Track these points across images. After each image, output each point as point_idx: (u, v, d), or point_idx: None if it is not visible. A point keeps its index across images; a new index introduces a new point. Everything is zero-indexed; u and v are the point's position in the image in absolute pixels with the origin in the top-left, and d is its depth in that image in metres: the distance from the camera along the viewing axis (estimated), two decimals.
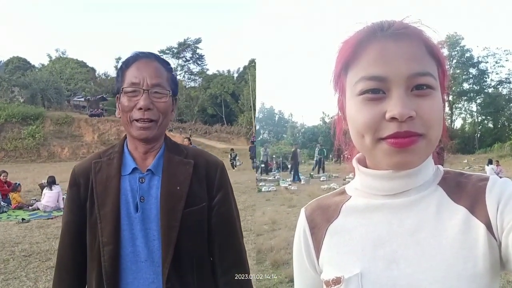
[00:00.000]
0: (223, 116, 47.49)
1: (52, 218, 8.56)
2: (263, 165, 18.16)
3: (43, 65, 49.71)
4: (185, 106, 45.26)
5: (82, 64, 49.63)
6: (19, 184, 10.73)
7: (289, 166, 17.02)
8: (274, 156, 25.71)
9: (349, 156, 0.91)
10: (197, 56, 51.99)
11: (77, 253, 1.27)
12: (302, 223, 0.91)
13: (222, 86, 48.71)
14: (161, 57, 1.31)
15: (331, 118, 0.90)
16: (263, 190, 12.76)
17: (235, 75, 53.44)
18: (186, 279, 1.22)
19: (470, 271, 0.69)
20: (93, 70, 50.98)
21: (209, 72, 52.93)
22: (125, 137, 1.31)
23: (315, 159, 20.74)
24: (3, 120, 28.37)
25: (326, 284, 0.81)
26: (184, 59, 51.13)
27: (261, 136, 55.96)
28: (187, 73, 51.47)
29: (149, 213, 1.21)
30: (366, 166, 0.83)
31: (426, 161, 0.77)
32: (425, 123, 0.71)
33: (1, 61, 49.27)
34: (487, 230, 0.70)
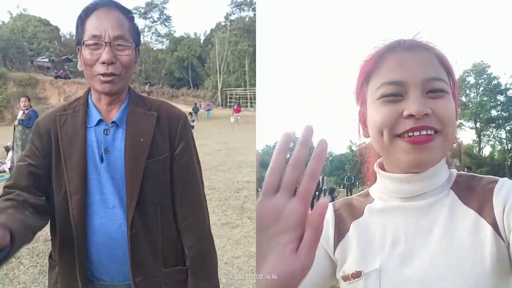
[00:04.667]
0: (190, 80, 47.70)
1: None
2: None
3: (3, 22, 47.57)
4: (152, 69, 45.16)
5: (46, 23, 47.83)
6: None
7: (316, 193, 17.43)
8: None
9: (369, 167, 0.98)
10: (165, 17, 50.97)
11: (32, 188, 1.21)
12: (328, 214, 0.95)
13: (189, 49, 48.58)
14: (121, 4, 1.26)
15: (358, 146, 1.00)
16: None
17: (202, 38, 53.25)
18: (150, 226, 1.26)
19: (477, 271, 0.72)
20: (57, 29, 49.32)
21: (176, 35, 52.37)
22: (89, 90, 1.31)
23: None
24: None
25: (345, 278, 0.86)
26: (151, 19, 50.34)
27: None
28: (154, 35, 50.82)
29: (113, 163, 1.24)
30: (385, 171, 0.89)
31: (440, 166, 0.83)
32: (441, 120, 0.77)
33: None
34: (494, 231, 0.73)
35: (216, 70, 42.36)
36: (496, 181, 0.80)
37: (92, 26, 1.20)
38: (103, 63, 1.18)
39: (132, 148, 1.25)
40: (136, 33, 1.28)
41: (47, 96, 31.09)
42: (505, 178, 0.82)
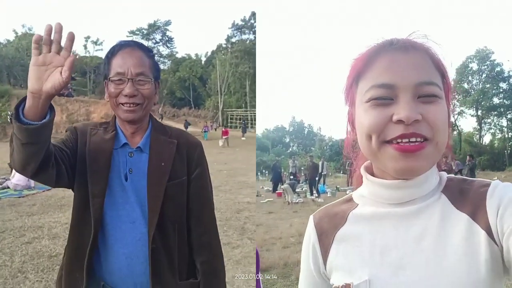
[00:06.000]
0: (191, 100, 48.25)
1: (23, 197, 8.43)
2: (291, 177, 17.72)
3: (8, 41, 48.30)
4: None
5: None
6: None
7: (316, 178, 16.34)
8: (302, 168, 25.03)
9: (356, 169, 0.94)
10: (167, 38, 51.66)
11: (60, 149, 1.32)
12: (310, 230, 0.93)
13: (191, 69, 49.30)
14: (143, 44, 1.43)
15: (343, 140, 0.95)
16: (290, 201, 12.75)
17: (203, 59, 53.98)
18: (168, 241, 1.40)
19: (473, 277, 0.70)
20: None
21: (178, 55, 53.00)
22: (115, 116, 1.44)
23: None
24: None
25: None
26: (154, 41, 51.03)
27: (290, 149, 56.09)
28: (156, 55, 50.42)
29: (137, 183, 1.38)
30: (373, 174, 0.85)
31: (431, 171, 0.79)
32: (432, 127, 0.72)
33: None
34: (487, 236, 0.71)
35: (217, 91, 42.85)
36: (488, 185, 0.77)
37: (117, 64, 1.36)
38: (126, 95, 1.34)
39: (154, 172, 1.39)
40: (156, 69, 1.44)
41: None
42: (497, 181, 0.80)
